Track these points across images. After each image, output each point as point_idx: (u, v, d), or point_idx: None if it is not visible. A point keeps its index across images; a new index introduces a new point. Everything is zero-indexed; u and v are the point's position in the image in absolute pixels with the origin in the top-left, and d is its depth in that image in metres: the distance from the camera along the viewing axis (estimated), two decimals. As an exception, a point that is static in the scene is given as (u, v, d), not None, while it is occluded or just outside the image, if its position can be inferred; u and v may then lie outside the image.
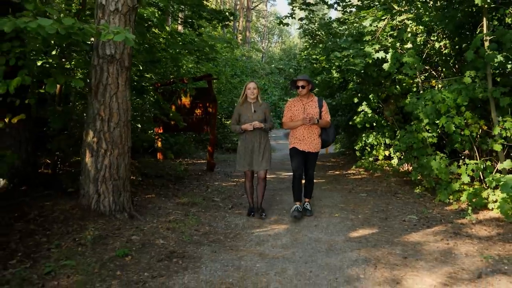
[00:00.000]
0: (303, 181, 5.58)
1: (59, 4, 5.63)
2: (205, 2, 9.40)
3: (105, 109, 4.41)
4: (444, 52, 8.55)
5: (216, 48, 9.75)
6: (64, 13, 4.65)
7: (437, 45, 8.71)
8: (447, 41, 8.50)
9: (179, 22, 10.94)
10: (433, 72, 9.09)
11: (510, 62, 5.95)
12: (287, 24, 10.37)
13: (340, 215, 5.51)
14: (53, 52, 5.12)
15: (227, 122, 16.96)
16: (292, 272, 3.43)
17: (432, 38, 8.88)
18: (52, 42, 4.42)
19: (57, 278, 3.04)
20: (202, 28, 9.77)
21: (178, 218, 4.89)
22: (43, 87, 4.27)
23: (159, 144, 10.22)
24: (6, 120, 4.33)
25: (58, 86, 5.67)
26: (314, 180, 5.80)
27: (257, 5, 39.16)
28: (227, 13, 9.57)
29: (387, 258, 3.78)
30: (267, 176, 5.58)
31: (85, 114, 5.24)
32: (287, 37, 55.82)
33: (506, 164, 5.35)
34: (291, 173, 5.53)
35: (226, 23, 10.12)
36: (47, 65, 4.70)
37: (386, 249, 4.03)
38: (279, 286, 3.14)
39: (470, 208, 5.36)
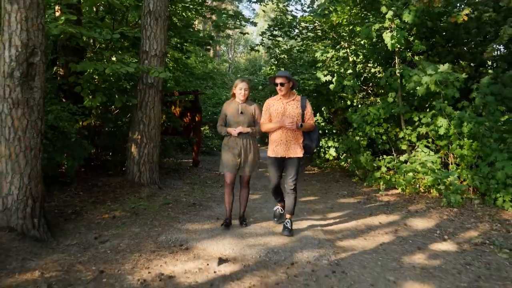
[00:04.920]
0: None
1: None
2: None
3: (146, 117, 6.77)
4: (378, 76, 11.30)
5: (213, 76, 12.15)
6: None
7: (372, 70, 11.47)
8: (380, 68, 11.24)
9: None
10: (369, 91, 11.86)
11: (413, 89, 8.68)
12: (258, 51, 12.94)
13: (296, 191, 8.05)
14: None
15: (202, 128, 19.36)
16: (266, 212, 5.93)
17: (369, 65, 11.62)
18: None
19: (151, 210, 5.45)
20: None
21: (188, 190, 7.33)
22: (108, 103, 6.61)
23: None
24: (80, 123, 6.64)
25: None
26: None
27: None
28: (210, 41, 11.94)
29: (322, 209, 6.36)
30: None
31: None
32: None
33: (403, 158, 8.15)
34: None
35: (208, 47, 12.58)
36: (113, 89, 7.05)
37: (321, 205, 6.62)
38: (260, 217, 5.61)
39: (383, 187, 8.04)
